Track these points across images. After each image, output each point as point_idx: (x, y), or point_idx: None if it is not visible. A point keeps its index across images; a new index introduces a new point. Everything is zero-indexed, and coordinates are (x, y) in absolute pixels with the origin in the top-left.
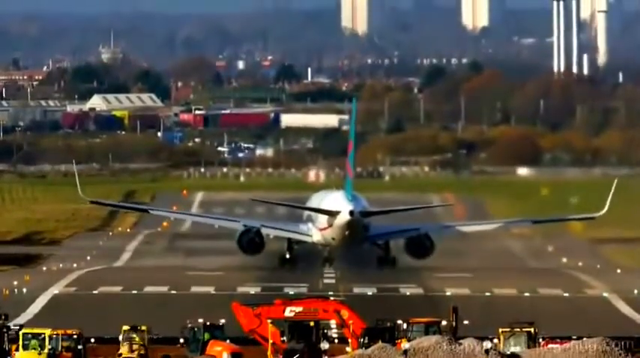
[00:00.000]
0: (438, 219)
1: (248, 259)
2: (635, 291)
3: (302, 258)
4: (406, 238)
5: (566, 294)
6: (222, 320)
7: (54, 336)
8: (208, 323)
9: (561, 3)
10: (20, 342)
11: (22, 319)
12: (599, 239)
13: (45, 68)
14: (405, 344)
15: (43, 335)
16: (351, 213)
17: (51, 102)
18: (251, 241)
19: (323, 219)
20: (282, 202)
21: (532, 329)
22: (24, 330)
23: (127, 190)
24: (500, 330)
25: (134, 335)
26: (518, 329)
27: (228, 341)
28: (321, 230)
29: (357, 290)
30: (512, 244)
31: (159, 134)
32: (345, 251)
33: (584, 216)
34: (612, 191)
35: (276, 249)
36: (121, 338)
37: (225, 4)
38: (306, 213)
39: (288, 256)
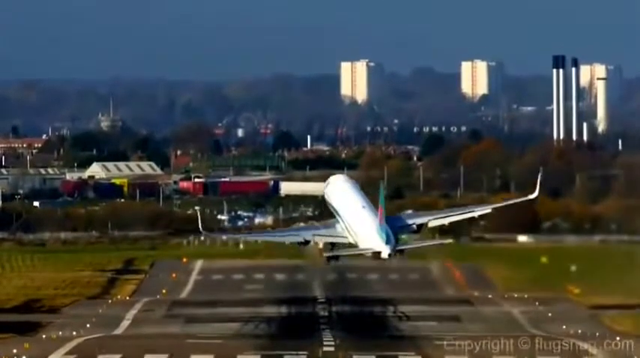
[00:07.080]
0: None
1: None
2: None
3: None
4: None
5: None
6: None
7: None
8: None
9: (561, 71)
10: None
11: None
12: (599, 305)
13: (44, 136)
14: None
15: None
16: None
17: (50, 170)
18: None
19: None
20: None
21: None
22: None
23: (127, 258)
24: None
25: None
26: None
27: None
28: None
29: (356, 357)
30: (511, 310)
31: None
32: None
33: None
34: (539, 178)
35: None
36: None
37: (225, 71)
38: (339, 222)
39: (331, 254)
